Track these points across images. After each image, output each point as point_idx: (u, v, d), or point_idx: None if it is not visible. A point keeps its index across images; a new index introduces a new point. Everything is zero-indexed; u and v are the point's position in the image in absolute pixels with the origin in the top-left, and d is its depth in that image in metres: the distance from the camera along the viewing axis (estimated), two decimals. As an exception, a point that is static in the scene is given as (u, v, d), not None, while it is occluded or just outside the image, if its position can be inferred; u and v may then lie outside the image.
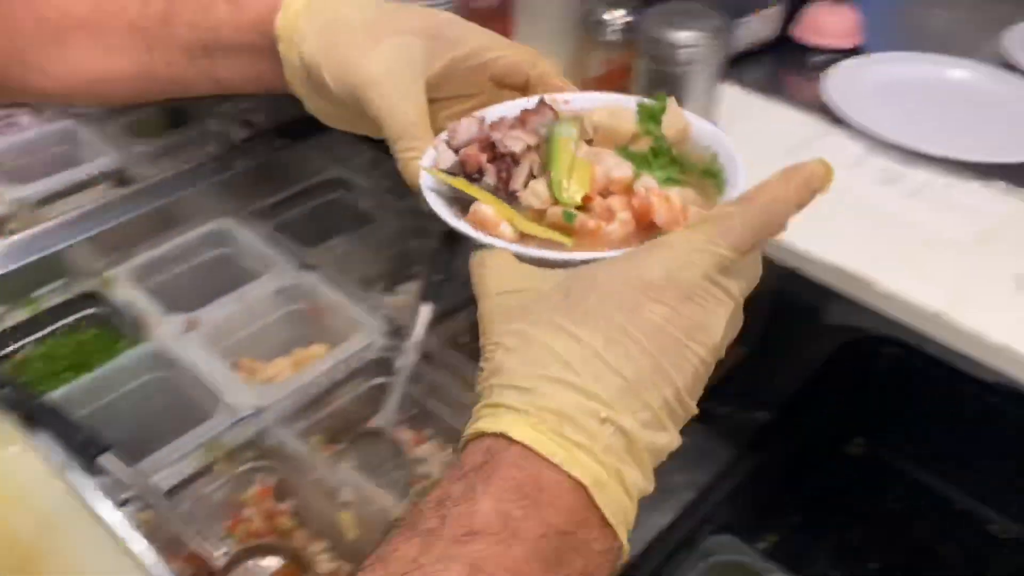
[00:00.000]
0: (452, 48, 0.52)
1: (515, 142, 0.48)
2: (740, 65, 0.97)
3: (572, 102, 0.56)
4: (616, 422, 0.33)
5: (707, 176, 0.49)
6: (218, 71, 0.56)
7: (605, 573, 0.32)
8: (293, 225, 1.17)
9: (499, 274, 0.40)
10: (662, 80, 0.79)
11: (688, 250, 0.37)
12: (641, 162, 0.49)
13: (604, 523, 0.33)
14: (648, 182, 0.45)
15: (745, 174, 0.48)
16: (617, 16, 0.85)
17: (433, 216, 0.47)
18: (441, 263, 0.98)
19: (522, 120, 0.50)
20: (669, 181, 0.47)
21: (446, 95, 0.53)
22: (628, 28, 0.86)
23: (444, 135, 0.52)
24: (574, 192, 0.44)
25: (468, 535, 0.31)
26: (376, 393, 0.96)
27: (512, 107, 0.55)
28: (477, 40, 0.53)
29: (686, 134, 0.52)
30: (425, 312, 0.96)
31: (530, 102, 0.55)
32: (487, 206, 0.44)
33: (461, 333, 1.02)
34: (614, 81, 0.86)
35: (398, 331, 0.98)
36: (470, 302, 0.42)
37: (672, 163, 0.48)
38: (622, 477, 0.33)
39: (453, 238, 0.95)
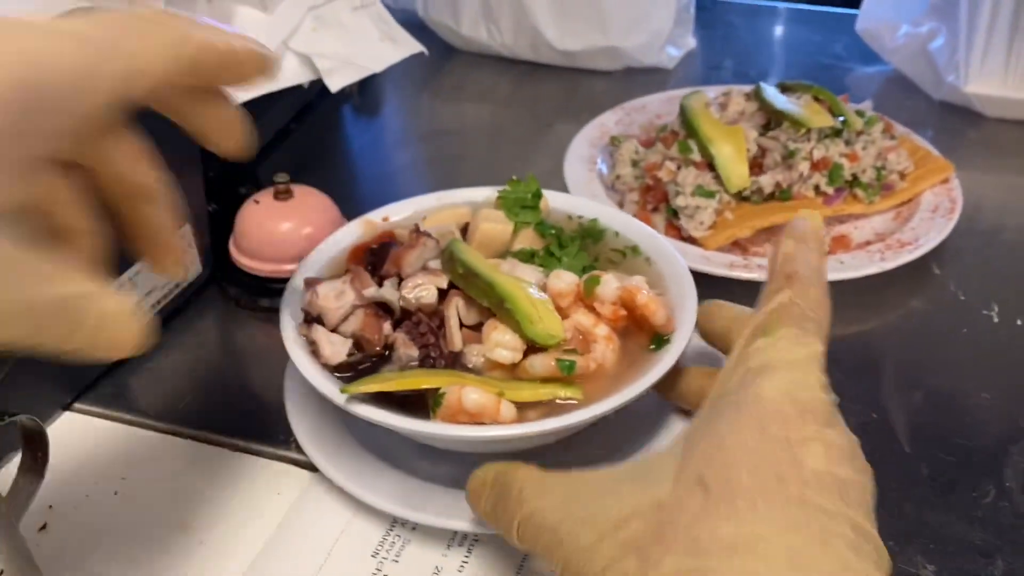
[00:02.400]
0: None
1: (423, 291, 0.37)
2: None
3: (391, 216, 0.45)
4: None
5: (600, 244, 0.43)
6: None
7: None
8: None
9: (564, 507, 0.30)
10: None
11: (791, 363, 0.30)
12: (546, 259, 0.41)
13: None
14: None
15: (647, 228, 0.43)
16: None
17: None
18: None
19: (396, 261, 0.38)
20: (587, 269, 0.40)
21: None
22: None
23: (289, 312, 0.38)
24: (552, 326, 0.35)
25: None
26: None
27: (333, 245, 0.42)
28: None
29: (547, 206, 0.45)
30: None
31: (350, 233, 0.43)
32: (471, 389, 0.33)
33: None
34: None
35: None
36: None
37: (580, 249, 0.41)
38: None
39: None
